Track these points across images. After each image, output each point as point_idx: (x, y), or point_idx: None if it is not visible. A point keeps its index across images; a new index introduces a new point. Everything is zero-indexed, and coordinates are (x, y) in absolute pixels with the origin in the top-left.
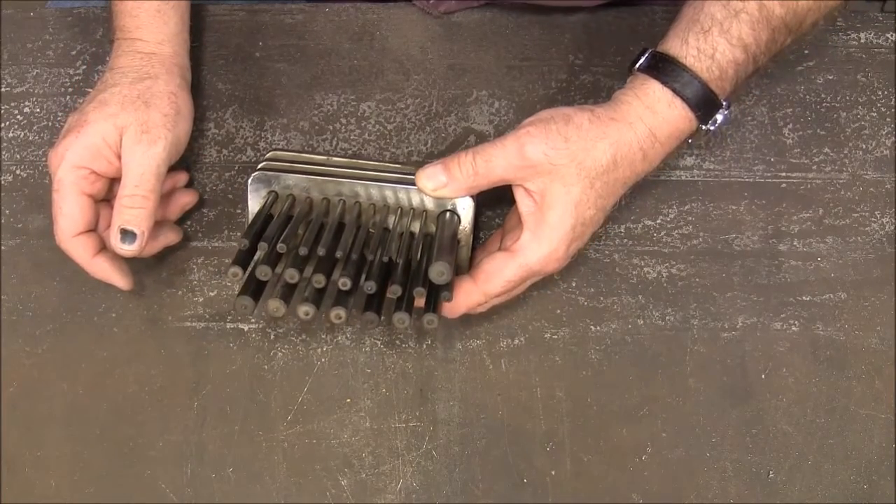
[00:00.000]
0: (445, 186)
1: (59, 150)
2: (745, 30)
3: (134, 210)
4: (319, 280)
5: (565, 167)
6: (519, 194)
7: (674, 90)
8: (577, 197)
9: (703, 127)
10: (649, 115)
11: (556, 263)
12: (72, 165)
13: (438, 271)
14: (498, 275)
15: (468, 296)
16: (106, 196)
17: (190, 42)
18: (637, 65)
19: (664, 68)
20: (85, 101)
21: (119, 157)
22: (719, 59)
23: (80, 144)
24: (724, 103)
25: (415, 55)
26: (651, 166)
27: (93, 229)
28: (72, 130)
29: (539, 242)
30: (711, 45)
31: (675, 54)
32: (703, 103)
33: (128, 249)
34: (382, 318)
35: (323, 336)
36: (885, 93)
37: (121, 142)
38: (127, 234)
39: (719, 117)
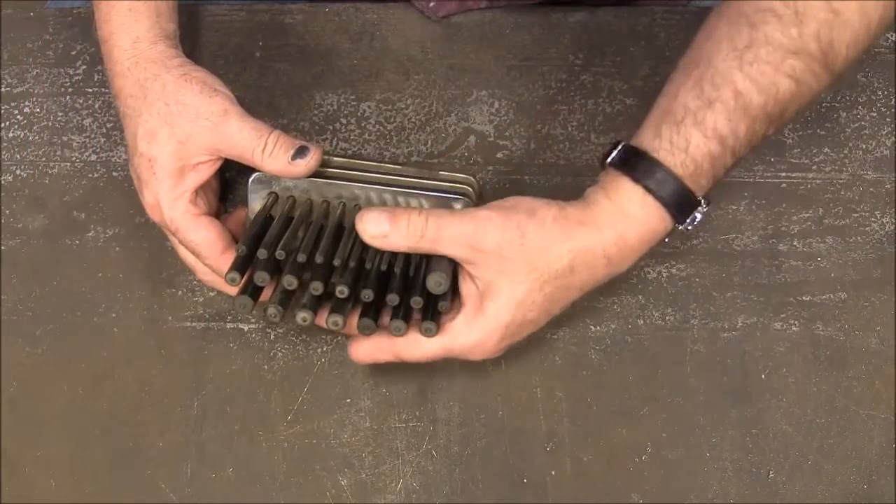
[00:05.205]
0: (385, 237)
1: (149, 200)
2: (721, 120)
3: (285, 137)
4: (317, 287)
5: (515, 262)
6: (463, 277)
7: (646, 188)
8: (520, 296)
9: (680, 227)
10: (621, 219)
11: (482, 355)
12: (172, 200)
13: (436, 281)
14: (419, 346)
15: (380, 350)
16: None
17: (177, 31)
18: (609, 159)
19: (636, 164)
20: (130, 149)
21: (208, 151)
22: (693, 152)
23: (165, 179)
24: (702, 200)
25: (415, 55)
26: (618, 270)
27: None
28: (145, 176)
29: (470, 330)
30: (685, 137)
31: (647, 148)
32: (679, 202)
33: (303, 162)
34: (379, 324)
35: (323, 336)
36: (885, 93)
37: (196, 145)
38: (300, 150)
39: (698, 215)
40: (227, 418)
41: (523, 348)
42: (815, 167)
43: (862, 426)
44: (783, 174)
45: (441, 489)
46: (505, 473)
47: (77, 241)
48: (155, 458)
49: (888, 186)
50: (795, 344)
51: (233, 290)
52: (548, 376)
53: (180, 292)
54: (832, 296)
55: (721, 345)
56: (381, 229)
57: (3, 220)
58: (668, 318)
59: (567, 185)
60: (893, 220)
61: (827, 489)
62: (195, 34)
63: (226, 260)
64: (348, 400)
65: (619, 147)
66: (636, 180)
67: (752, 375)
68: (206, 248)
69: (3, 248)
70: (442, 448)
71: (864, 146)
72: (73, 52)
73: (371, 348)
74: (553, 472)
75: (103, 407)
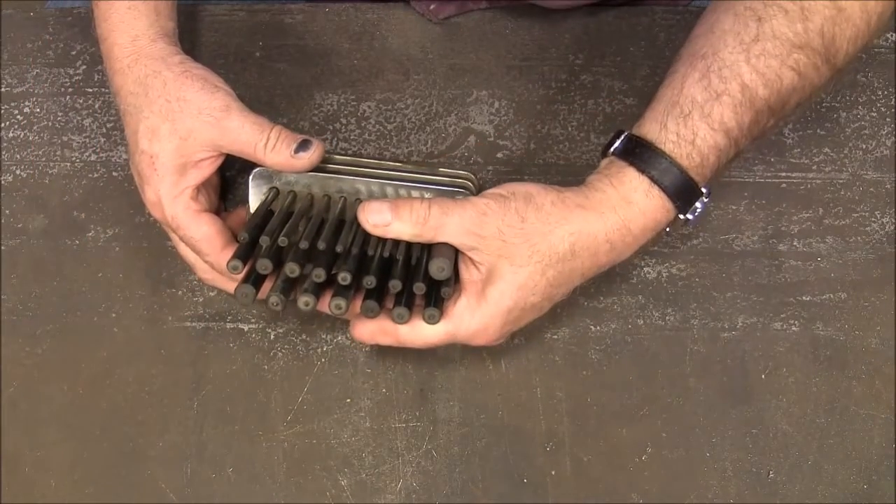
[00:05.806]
0: (388, 226)
1: (151, 197)
2: (728, 113)
3: (287, 132)
4: (319, 274)
5: (517, 246)
6: (464, 262)
7: (651, 178)
8: (522, 279)
9: (682, 217)
10: (624, 205)
11: (485, 340)
12: (173, 197)
13: (438, 267)
14: (421, 332)
15: (382, 333)
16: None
17: (176, 29)
18: (612, 148)
19: (641, 154)
20: (131, 146)
21: (210, 148)
22: (700, 144)
23: (166, 176)
24: (705, 191)
25: (415, 55)
26: (620, 257)
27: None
28: (147, 173)
29: (473, 315)
30: (692, 130)
31: (653, 139)
32: (683, 192)
33: (306, 155)
34: (382, 307)
35: (323, 336)
36: (885, 93)
37: (197, 141)
38: (303, 144)
39: (699, 206)
40: (227, 418)
41: (523, 348)
42: (815, 167)
43: (862, 426)
44: (783, 174)
45: (441, 489)
46: (505, 473)
47: (77, 241)
48: (155, 458)
49: (888, 186)
50: (795, 344)
51: (232, 288)
52: (548, 376)
53: (180, 292)
54: (832, 296)
55: (721, 345)
56: (383, 218)
57: (3, 220)
58: (668, 318)
59: (567, 184)
60: (893, 220)
61: (827, 489)
62: (195, 34)
63: (226, 257)
64: (348, 400)
65: (623, 137)
66: (642, 170)
67: (752, 375)
68: (206, 245)
69: (3, 248)
70: (442, 448)
71: (864, 146)
72: (73, 52)
73: (373, 330)
74: (553, 472)
75: (103, 407)
